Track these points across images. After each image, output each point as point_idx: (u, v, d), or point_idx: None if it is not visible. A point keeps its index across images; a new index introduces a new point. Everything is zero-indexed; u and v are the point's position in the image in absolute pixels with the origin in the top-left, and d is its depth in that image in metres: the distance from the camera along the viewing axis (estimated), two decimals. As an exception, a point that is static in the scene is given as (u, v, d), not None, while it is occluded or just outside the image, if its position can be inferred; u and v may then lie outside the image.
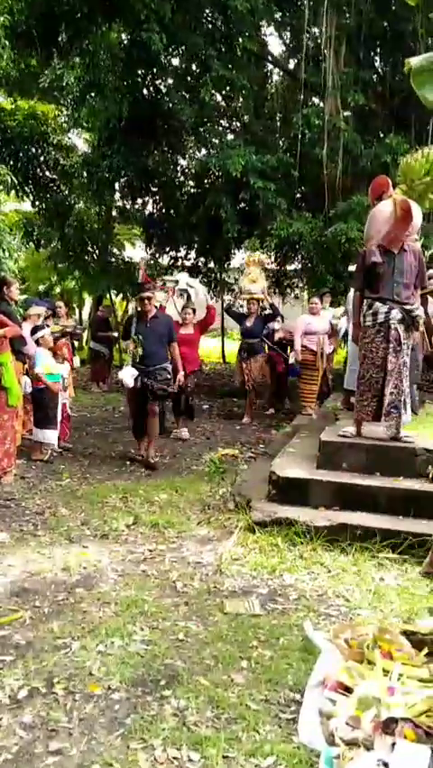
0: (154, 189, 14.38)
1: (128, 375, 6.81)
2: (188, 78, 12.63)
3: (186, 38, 11.57)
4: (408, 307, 5.23)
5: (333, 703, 2.64)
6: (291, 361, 9.84)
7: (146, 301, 7.01)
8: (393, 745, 2.34)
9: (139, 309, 7.18)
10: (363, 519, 4.72)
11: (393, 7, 10.86)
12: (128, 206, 15.55)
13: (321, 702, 2.68)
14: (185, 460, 7.39)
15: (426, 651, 2.88)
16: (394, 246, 5.22)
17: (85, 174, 13.98)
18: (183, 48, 12.16)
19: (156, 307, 7.39)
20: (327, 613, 3.69)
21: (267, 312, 10.25)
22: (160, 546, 4.62)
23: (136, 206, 15.39)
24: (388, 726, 2.41)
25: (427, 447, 5.20)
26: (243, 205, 12.10)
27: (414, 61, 2.29)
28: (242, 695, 2.85)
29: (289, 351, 10.17)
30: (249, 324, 9.84)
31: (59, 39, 11.63)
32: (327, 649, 3.04)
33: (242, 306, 10.83)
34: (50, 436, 7.06)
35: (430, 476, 5.01)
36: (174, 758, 2.45)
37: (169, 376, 7.03)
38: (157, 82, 12.80)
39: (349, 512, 4.84)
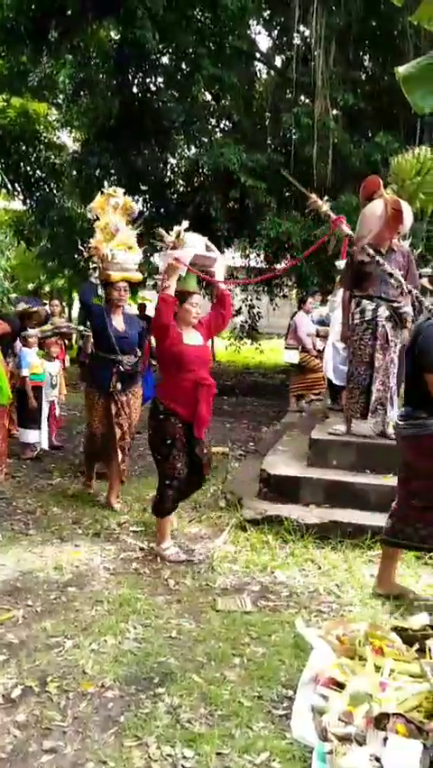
0: (144, 188, 14.35)
1: None
2: (179, 77, 12.61)
3: (176, 36, 11.56)
4: (395, 305, 5.28)
5: (325, 699, 2.67)
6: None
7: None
8: (385, 740, 2.37)
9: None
10: (353, 516, 4.76)
11: (382, 6, 10.89)
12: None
13: (313, 698, 2.71)
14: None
15: (416, 646, 2.91)
16: (382, 246, 5.27)
17: (74, 172, 13.94)
18: (173, 46, 12.14)
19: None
20: (318, 610, 3.72)
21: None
22: (151, 544, 4.62)
23: (126, 205, 15.36)
24: (380, 721, 2.43)
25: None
26: (232, 203, 12.11)
27: (402, 69, 2.33)
28: (235, 692, 2.87)
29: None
30: (117, 325, 5.39)
31: (49, 36, 11.58)
32: (319, 646, 3.06)
33: (99, 297, 5.53)
34: (33, 436, 7.04)
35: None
36: (168, 755, 2.46)
37: None
38: (147, 81, 12.79)
39: (340, 509, 4.88)
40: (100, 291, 5.42)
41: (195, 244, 4.55)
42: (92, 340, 6.17)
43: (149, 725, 2.63)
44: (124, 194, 5.62)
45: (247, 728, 2.63)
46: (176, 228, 4.48)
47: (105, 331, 5.34)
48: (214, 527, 5.03)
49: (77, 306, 19.81)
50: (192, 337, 4.44)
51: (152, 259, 7.37)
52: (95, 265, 5.41)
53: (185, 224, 4.50)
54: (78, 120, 14.09)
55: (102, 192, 5.66)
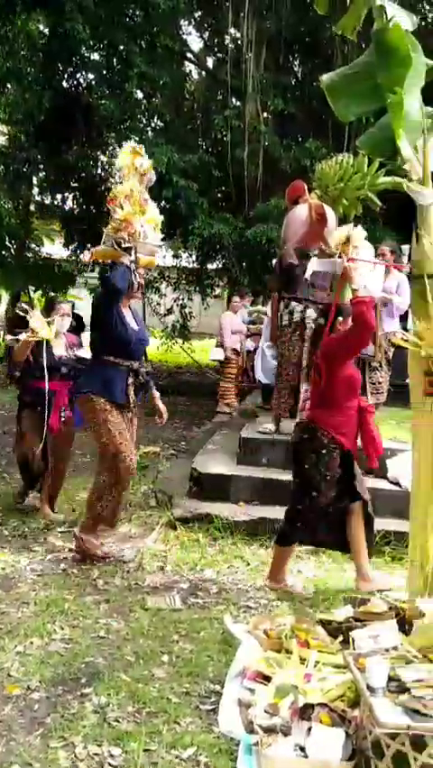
0: (74, 185, 14.14)
1: None
2: (110, 74, 12.50)
3: (108, 32, 11.46)
4: (322, 307, 5.40)
5: (252, 692, 2.71)
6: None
7: None
8: (310, 729, 2.43)
9: None
10: (281, 513, 4.80)
11: (311, 13, 11.10)
12: (47, 201, 15.25)
13: (240, 692, 2.75)
14: (106, 458, 7.30)
15: (340, 638, 2.99)
16: (312, 249, 5.38)
17: (1, 167, 13.60)
18: (105, 42, 12.03)
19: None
20: (246, 606, 3.77)
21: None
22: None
23: (56, 202, 15.10)
24: (305, 711, 2.49)
25: (342, 443, 5.37)
26: (165, 203, 12.09)
27: (326, 78, 2.41)
28: (162, 689, 2.88)
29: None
30: (131, 323, 4.43)
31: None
32: (246, 640, 3.11)
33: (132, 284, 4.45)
34: None
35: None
36: (95, 754, 2.45)
37: None
38: (78, 76, 12.62)
39: (268, 506, 4.95)
40: (136, 278, 4.34)
41: (367, 248, 4.12)
42: (31, 341, 5.12)
43: (75, 725, 2.61)
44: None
45: (175, 724, 2.64)
46: (342, 231, 3.98)
47: (125, 331, 4.30)
48: (144, 526, 5.02)
49: (5, 303, 19.33)
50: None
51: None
52: (128, 245, 4.33)
53: (359, 229, 3.93)
54: (4, 113, 13.74)
55: (130, 148, 4.53)
